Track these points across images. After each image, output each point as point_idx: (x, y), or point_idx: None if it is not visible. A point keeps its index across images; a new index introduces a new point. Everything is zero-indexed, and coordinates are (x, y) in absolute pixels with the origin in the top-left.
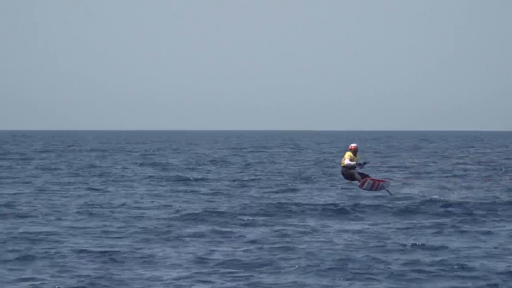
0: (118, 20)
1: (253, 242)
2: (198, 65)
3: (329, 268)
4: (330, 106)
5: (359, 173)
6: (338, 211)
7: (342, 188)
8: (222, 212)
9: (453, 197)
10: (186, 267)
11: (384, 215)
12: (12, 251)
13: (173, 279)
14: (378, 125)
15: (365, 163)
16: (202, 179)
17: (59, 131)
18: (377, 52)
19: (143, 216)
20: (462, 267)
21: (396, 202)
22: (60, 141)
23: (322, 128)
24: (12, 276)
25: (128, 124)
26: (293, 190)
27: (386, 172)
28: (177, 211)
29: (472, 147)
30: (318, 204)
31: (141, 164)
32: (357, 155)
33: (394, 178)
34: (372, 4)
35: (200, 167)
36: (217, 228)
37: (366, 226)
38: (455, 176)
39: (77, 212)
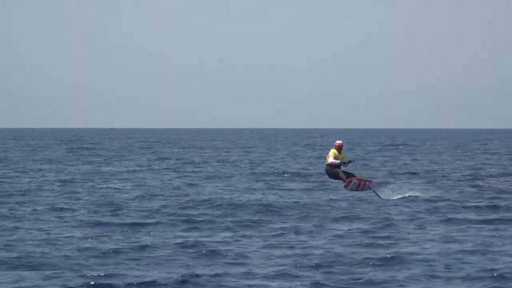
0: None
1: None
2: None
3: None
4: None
5: (344, 172)
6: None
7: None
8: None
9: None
10: (278, 262)
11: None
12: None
13: (264, 275)
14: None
15: (349, 162)
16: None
17: (95, 129)
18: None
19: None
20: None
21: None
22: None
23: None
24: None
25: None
26: None
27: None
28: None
29: None
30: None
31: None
32: (342, 153)
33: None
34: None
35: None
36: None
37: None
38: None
39: (177, 204)
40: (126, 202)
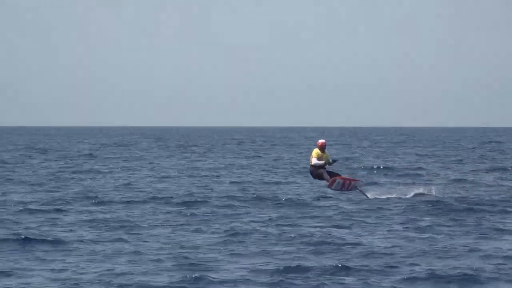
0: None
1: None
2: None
3: None
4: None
5: (329, 172)
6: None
7: None
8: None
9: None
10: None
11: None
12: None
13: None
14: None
15: (334, 161)
16: None
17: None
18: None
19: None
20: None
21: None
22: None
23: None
24: None
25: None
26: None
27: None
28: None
29: None
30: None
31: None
32: (325, 152)
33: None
34: None
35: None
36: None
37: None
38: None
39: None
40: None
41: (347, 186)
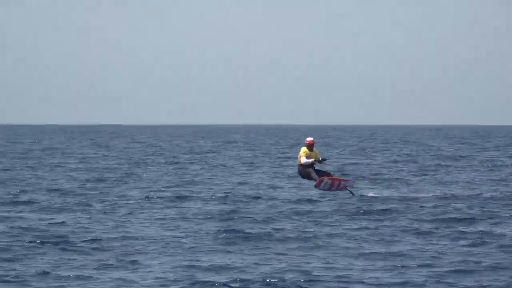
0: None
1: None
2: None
3: None
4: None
5: (318, 171)
6: None
7: None
8: None
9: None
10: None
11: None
12: None
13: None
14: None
15: (324, 159)
16: None
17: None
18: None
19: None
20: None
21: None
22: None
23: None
24: None
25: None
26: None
27: None
28: None
29: None
30: None
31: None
32: (314, 150)
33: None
34: None
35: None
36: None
37: None
38: None
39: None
40: None
41: (336, 186)
